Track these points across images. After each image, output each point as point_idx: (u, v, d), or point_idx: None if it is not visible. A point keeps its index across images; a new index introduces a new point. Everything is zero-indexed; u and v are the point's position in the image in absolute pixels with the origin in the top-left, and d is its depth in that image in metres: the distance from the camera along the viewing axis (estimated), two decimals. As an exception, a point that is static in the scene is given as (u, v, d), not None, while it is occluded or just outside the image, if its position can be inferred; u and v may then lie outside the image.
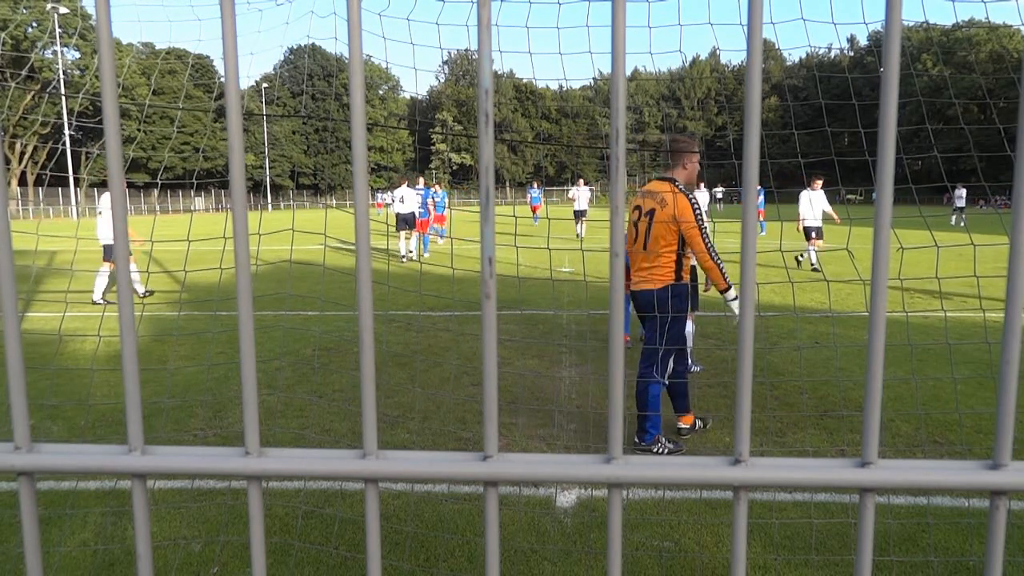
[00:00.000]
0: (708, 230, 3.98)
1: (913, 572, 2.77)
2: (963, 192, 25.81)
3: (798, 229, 12.35)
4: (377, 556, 0.63)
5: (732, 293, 4.06)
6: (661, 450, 4.08)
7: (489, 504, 0.61)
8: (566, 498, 3.46)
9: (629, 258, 4.24)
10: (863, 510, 0.59)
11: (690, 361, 5.77)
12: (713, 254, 3.92)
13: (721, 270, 3.95)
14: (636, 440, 4.13)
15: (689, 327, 5.69)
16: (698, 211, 3.95)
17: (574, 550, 2.97)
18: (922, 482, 0.58)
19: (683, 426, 4.34)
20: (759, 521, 3.19)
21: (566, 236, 20.20)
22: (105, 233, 9.27)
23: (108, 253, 9.44)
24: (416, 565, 2.84)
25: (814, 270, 12.16)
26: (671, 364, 4.19)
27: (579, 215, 20.14)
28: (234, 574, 2.78)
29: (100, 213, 9.46)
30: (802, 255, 12.84)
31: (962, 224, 23.89)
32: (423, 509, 3.33)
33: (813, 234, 12.09)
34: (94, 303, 9.29)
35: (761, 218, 21.92)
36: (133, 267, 9.73)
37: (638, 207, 4.18)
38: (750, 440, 0.60)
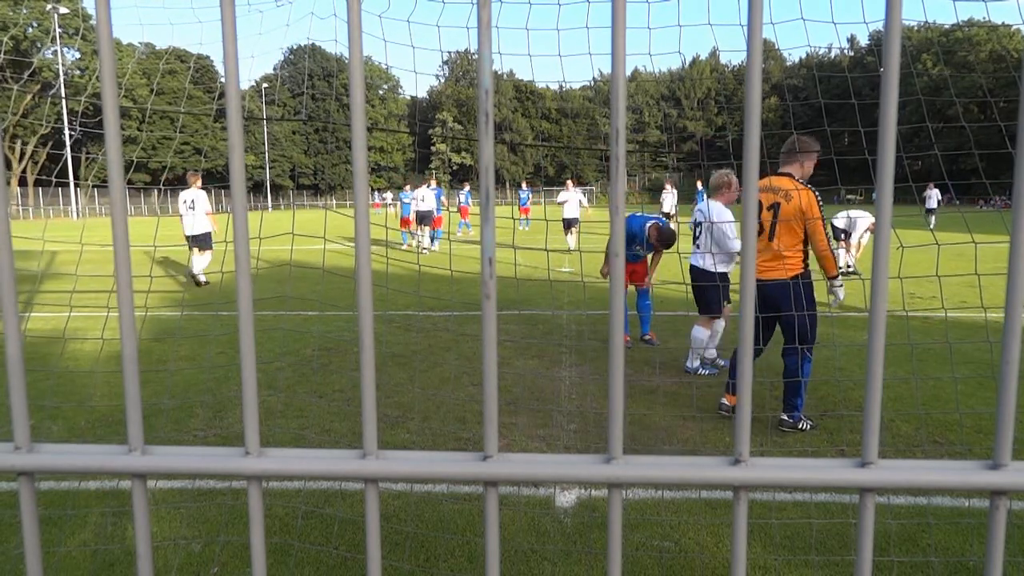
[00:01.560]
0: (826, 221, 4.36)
1: (913, 572, 2.77)
2: (934, 193, 23.16)
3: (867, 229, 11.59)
4: (377, 556, 0.63)
5: (839, 280, 4.42)
6: (805, 426, 4.34)
7: (489, 504, 0.61)
8: (566, 498, 3.46)
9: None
10: (863, 510, 0.59)
11: (704, 361, 5.80)
12: (830, 242, 4.26)
13: (836, 257, 4.34)
14: (784, 418, 4.35)
15: (720, 325, 5.74)
16: (821, 204, 4.27)
17: (574, 550, 2.97)
18: (922, 482, 0.58)
19: (725, 403, 4.61)
20: (759, 521, 3.18)
21: (563, 237, 19.33)
22: (191, 225, 10.61)
23: (201, 242, 10.71)
24: (416, 565, 2.84)
25: (849, 272, 11.38)
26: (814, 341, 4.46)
27: (569, 224, 16.37)
28: (234, 574, 2.78)
29: (192, 208, 10.57)
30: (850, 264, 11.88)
31: (931, 226, 22.18)
32: (423, 509, 3.33)
33: (842, 236, 11.62)
34: (199, 284, 10.72)
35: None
36: (203, 261, 10.89)
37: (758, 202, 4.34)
38: (750, 440, 0.60)
